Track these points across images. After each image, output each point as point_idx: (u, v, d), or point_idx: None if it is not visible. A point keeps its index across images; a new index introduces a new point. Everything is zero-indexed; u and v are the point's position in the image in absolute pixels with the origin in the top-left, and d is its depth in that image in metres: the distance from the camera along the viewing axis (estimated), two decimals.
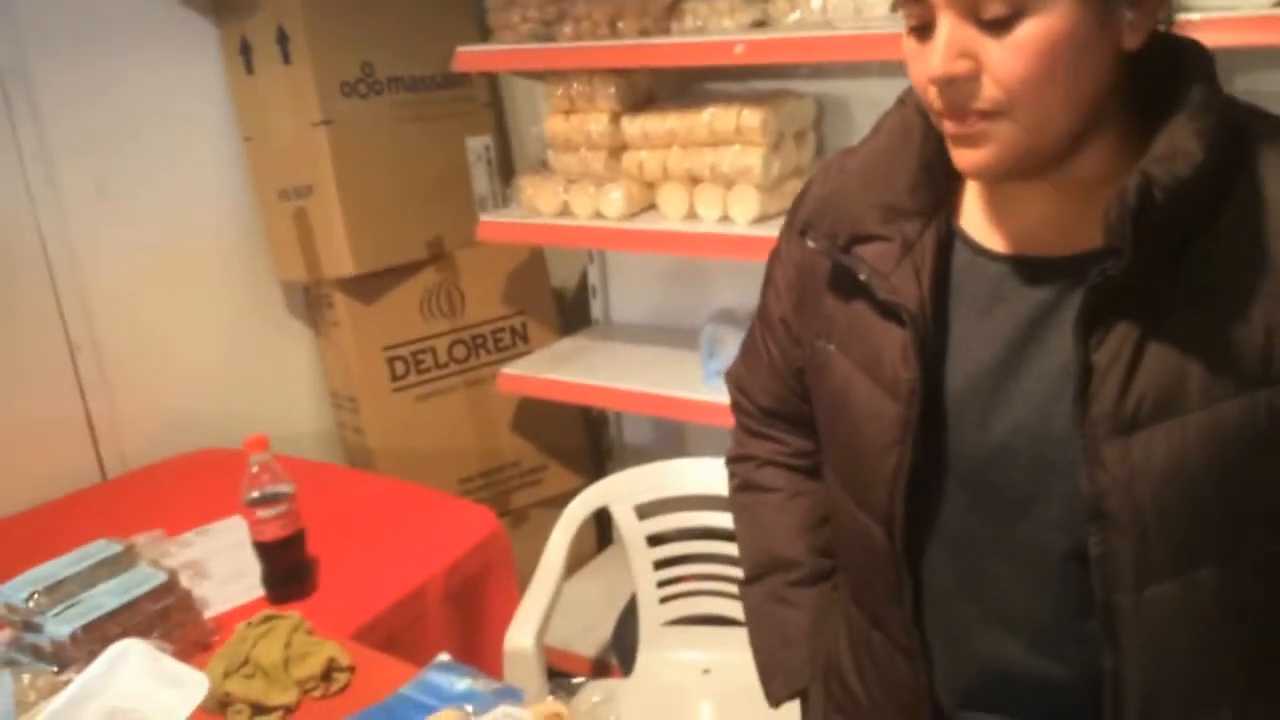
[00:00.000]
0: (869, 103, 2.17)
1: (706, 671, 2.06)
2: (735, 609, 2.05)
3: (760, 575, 1.20)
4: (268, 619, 1.39)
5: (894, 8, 0.84)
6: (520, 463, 2.64)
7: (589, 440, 2.79)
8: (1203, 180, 0.79)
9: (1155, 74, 0.84)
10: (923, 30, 0.82)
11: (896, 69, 2.06)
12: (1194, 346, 0.81)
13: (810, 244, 0.98)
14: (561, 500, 2.55)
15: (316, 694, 1.31)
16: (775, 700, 1.18)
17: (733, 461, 1.26)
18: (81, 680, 1.17)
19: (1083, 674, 0.90)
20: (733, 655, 2.05)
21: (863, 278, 0.93)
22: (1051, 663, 0.92)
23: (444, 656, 1.32)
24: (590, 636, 2.46)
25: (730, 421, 2.12)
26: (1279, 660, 0.91)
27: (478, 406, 2.59)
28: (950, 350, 0.92)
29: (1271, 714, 0.92)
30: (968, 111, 0.81)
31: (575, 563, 2.35)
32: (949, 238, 0.93)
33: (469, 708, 1.13)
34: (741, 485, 1.24)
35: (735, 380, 1.25)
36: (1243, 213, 0.82)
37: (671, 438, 2.72)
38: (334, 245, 2.34)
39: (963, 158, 0.84)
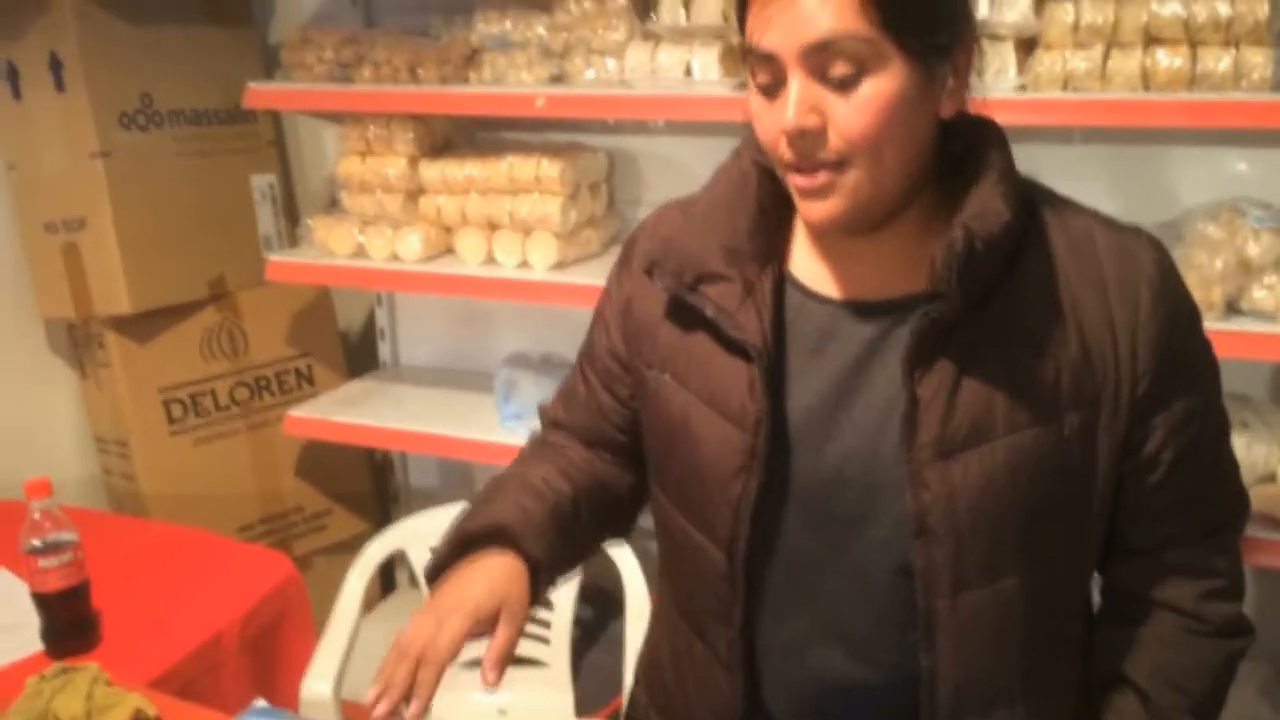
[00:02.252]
0: (656, 158, 2.31)
1: (503, 712, 2.09)
2: (532, 649, 2.10)
3: (500, 478, 1.17)
4: (63, 671, 1.31)
5: (745, 67, 0.93)
6: (303, 508, 2.58)
7: (374, 485, 2.76)
8: (1009, 236, 0.92)
9: (958, 147, 0.97)
10: (770, 89, 0.91)
11: (683, 128, 2.22)
12: (999, 382, 0.94)
13: (657, 282, 1.04)
14: (346, 546, 2.52)
15: None
16: (429, 565, 1.08)
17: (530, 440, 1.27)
18: None
19: (901, 679, 1.00)
20: (529, 695, 2.09)
21: (709, 314, 1.01)
22: (874, 670, 1.02)
23: (260, 703, 1.29)
24: None
25: None
26: (1064, 658, 1.05)
27: (260, 450, 2.51)
28: (789, 384, 1.00)
29: (1056, 706, 1.05)
30: (816, 163, 0.90)
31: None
32: (780, 282, 1.02)
33: None
34: (537, 441, 1.25)
35: (552, 419, 1.26)
36: (1035, 268, 0.96)
37: (458, 481, 2.73)
38: (108, 282, 2.23)
39: (812, 210, 0.93)
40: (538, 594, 1.07)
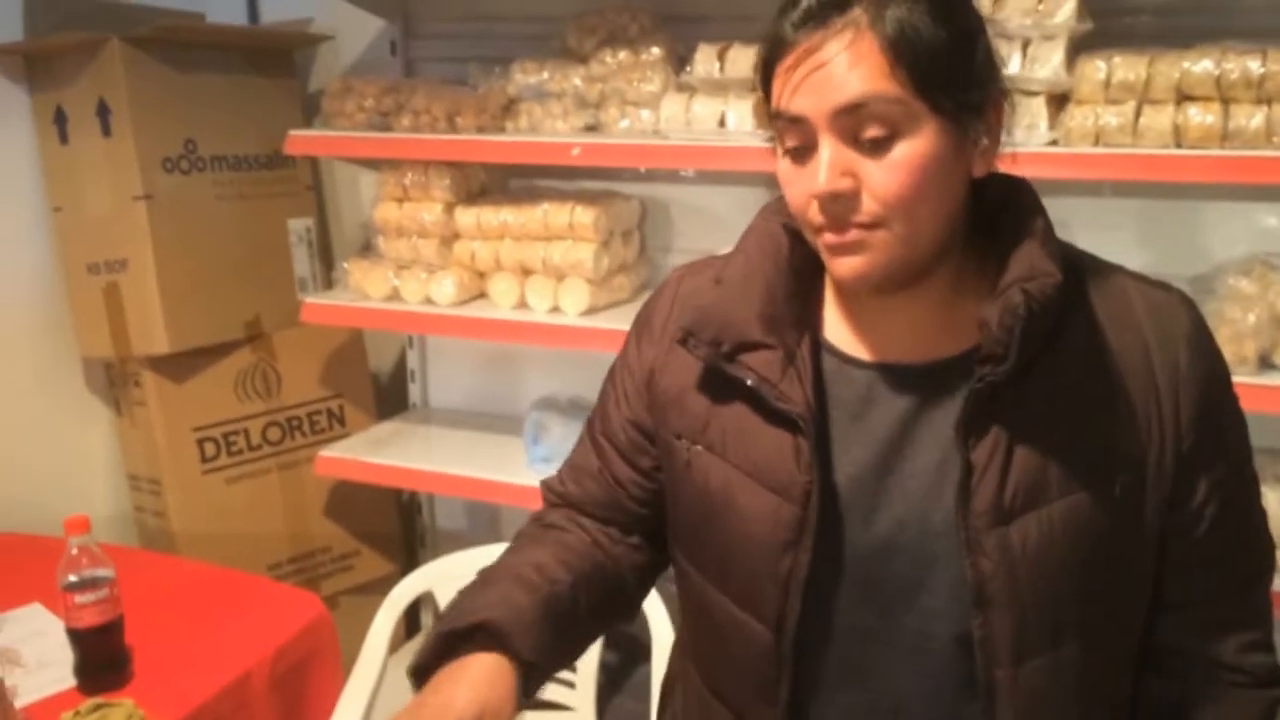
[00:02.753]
0: (688, 206, 2.35)
1: None
2: (558, 694, 2.10)
3: (489, 571, 1.10)
4: (98, 707, 1.32)
5: (773, 132, 0.94)
6: (331, 548, 2.60)
7: (402, 526, 2.77)
8: (1060, 298, 0.91)
9: (989, 208, 0.97)
10: (800, 152, 0.91)
11: (715, 177, 2.25)
12: (1050, 446, 0.93)
13: (693, 352, 1.02)
14: (372, 587, 2.53)
15: None
16: (412, 664, 1.02)
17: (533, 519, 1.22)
18: None
19: None
20: None
21: (751, 384, 0.98)
22: None
23: None
24: None
25: None
26: (1118, 717, 1.03)
27: (290, 490, 2.53)
28: (834, 453, 0.98)
29: None
30: (848, 224, 0.89)
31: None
32: (816, 348, 1.01)
33: None
34: (539, 522, 1.20)
35: (560, 494, 1.21)
36: (1078, 329, 0.95)
37: (485, 523, 2.74)
38: (147, 322, 2.27)
39: (842, 266, 0.92)
40: (530, 691, 1.01)
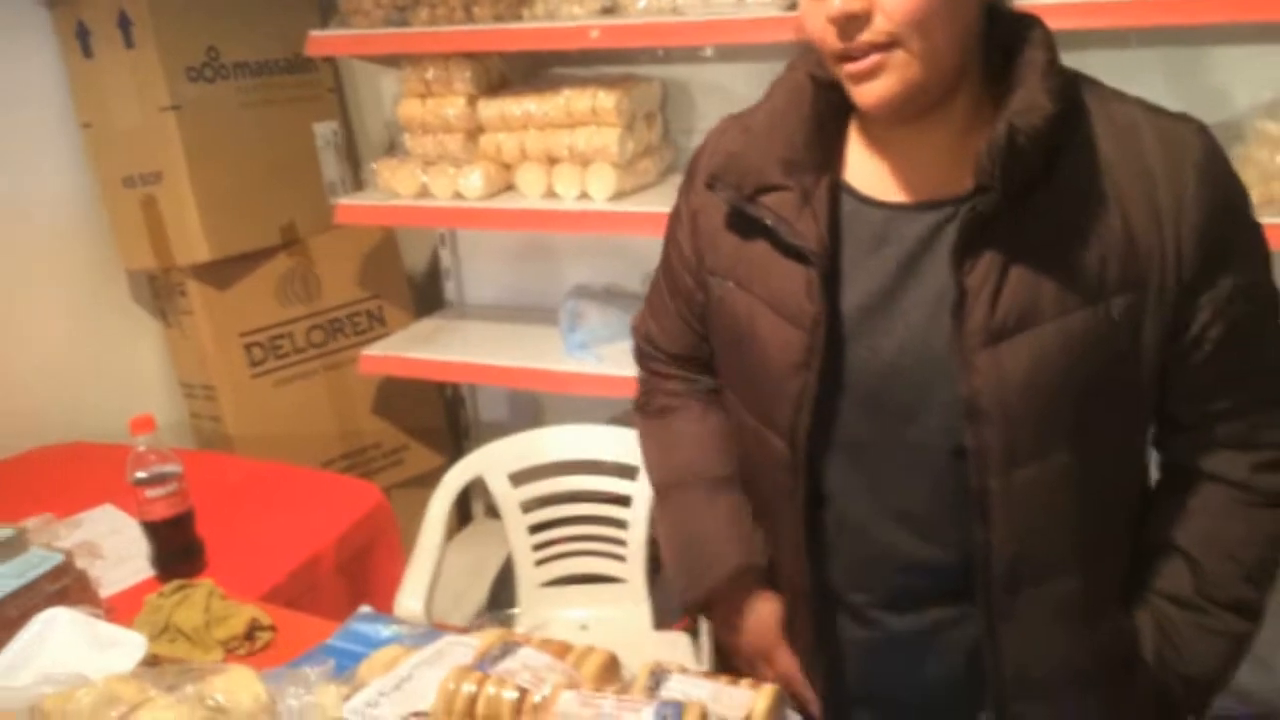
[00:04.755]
0: (708, 86, 2.34)
1: (584, 627, 2.17)
2: (606, 567, 2.18)
3: (675, 483, 1.29)
4: (181, 588, 1.41)
5: None
6: (381, 444, 2.68)
7: (447, 420, 2.85)
8: (1052, 130, 0.95)
9: (1002, 45, 1.00)
10: None
11: (734, 54, 2.24)
12: (1045, 269, 0.98)
13: (718, 194, 1.10)
14: (423, 480, 2.61)
15: (241, 652, 1.34)
16: (685, 602, 1.25)
17: (642, 406, 1.36)
18: (11, 650, 1.17)
19: (958, 554, 1.06)
20: (607, 610, 2.17)
21: (769, 223, 1.06)
22: (938, 547, 1.08)
23: (365, 609, 1.38)
24: (463, 607, 2.52)
25: (591, 390, 2.24)
26: (1117, 530, 1.10)
27: (337, 390, 2.61)
28: (844, 285, 1.05)
29: (1110, 574, 1.10)
30: (865, 46, 0.93)
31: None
32: (837, 190, 1.07)
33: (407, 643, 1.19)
34: (655, 412, 1.33)
35: (643, 333, 1.35)
36: (1079, 160, 0.99)
37: (527, 412, 2.81)
38: (186, 232, 2.32)
39: (864, 94, 0.97)
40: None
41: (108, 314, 2.50)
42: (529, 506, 2.17)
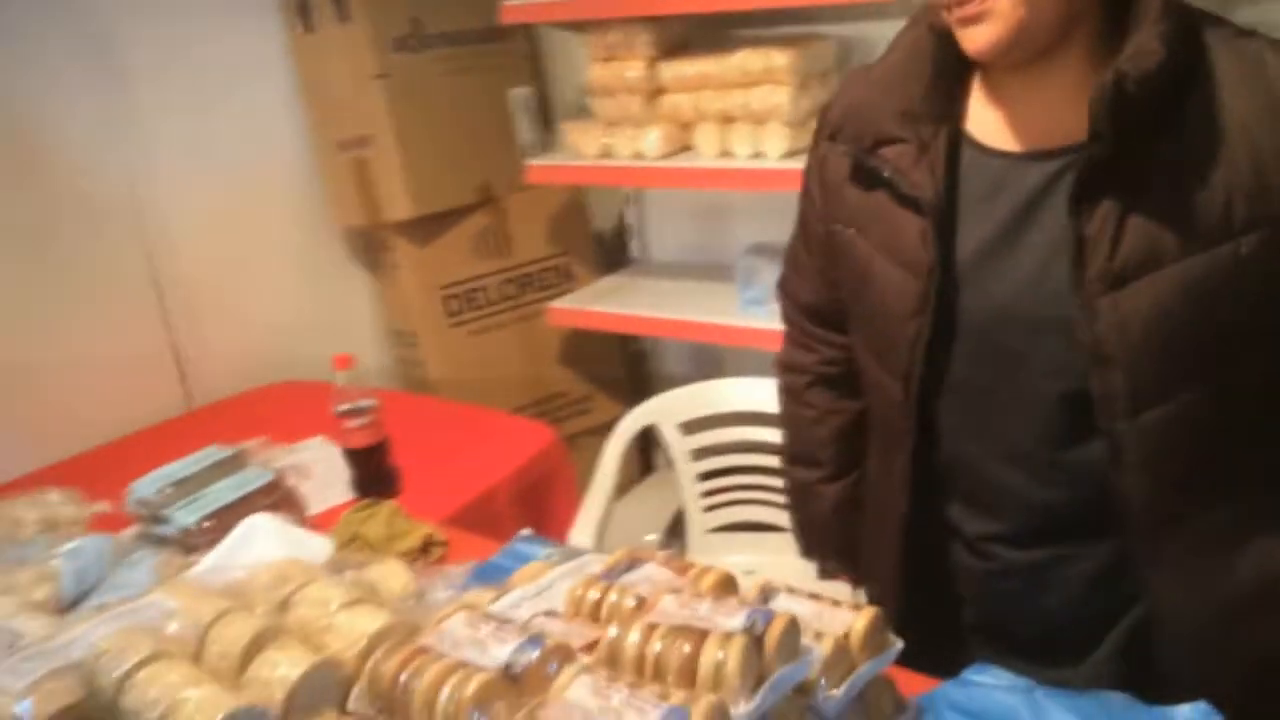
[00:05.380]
0: (886, 43, 2.33)
1: (750, 572, 2.23)
2: (774, 515, 2.24)
3: (795, 463, 1.46)
4: (368, 506, 1.57)
5: None
6: (568, 393, 2.83)
7: (629, 372, 2.97)
8: (1165, 74, 0.95)
9: None
10: None
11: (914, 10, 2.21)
12: (1166, 213, 0.98)
13: (840, 146, 1.15)
14: (607, 428, 2.74)
15: (417, 565, 1.49)
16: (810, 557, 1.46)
17: (782, 367, 1.44)
18: (219, 550, 1.36)
19: (1074, 497, 1.08)
20: (773, 557, 2.23)
21: (886, 174, 1.10)
22: (1047, 488, 1.10)
23: (527, 531, 1.50)
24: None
25: (763, 344, 2.30)
26: (1261, 465, 1.09)
27: (527, 341, 2.77)
28: (959, 232, 1.09)
29: (1254, 507, 1.09)
30: None
31: (620, 487, 2.54)
32: (956, 140, 1.10)
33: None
34: (787, 392, 1.44)
35: (782, 284, 1.42)
36: (1203, 102, 0.98)
37: (708, 366, 2.89)
38: (393, 191, 2.52)
39: (970, 38, 1.00)
40: None
41: (326, 269, 2.75)
42: (700, 455, 2.26)
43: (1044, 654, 1.16)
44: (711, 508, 2.29)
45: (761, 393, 2.26)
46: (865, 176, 1.15)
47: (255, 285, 2.59)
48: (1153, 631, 1.10)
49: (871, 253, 1.15)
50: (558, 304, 2.60)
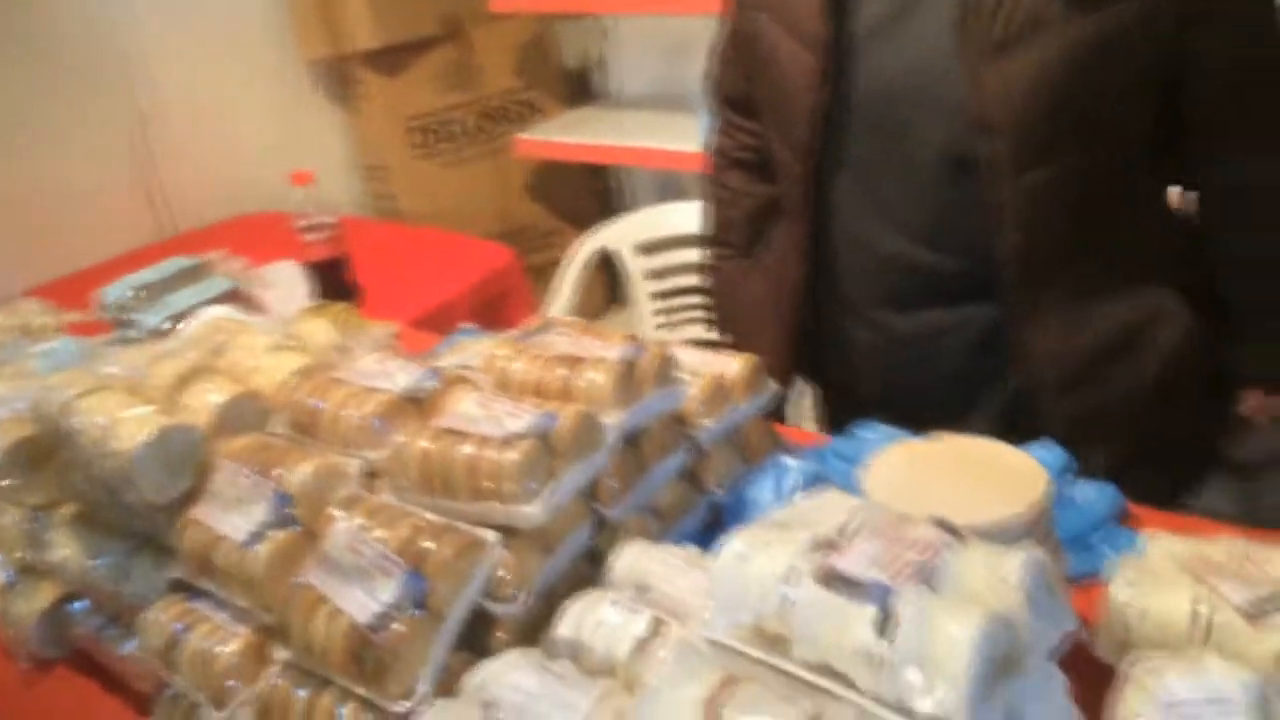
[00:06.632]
0: None
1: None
2: None
3: (711, 244, 1.49)
4: (319, 307, 1.65)
5: None
6: (536, 226, 2.90)
7: (599, 207, 3.03)
8: None
9: None
10: None
11: None
12: None
13: None
14: None
15: None
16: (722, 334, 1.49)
17: (707, 153, 1.48)
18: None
19: (959, 260, 1.16)
20: None
21: None
22: (936, 253, 1.18)
23: (469, 325, 1.59)
24: None
25: None
26: (1139, 222, 1.18)
27: (496, 175, 2.83)
28: (858, 10, 1.14)
29: (1126, 259, 1.17)
30: None
31: (582, 317, 2.61)
32: None
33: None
34: (708, 176, 1.48)
35: (707, 76, 1.46)
36: None
37: (675, 199, 2.95)
38: (357, 20, 2.54)
39: None
40: None
41: (298, 103, 2.77)
42: (658, 275, 2.34)
43: (933, 421, 1.26)
44: (670, 326, 2.38)
45: None
46: None
47: (230, 119, 2.61)
48: (1030, 380, 1.18)
49: (779, 35, 1.20)
50: (525, 135, 2.64)
